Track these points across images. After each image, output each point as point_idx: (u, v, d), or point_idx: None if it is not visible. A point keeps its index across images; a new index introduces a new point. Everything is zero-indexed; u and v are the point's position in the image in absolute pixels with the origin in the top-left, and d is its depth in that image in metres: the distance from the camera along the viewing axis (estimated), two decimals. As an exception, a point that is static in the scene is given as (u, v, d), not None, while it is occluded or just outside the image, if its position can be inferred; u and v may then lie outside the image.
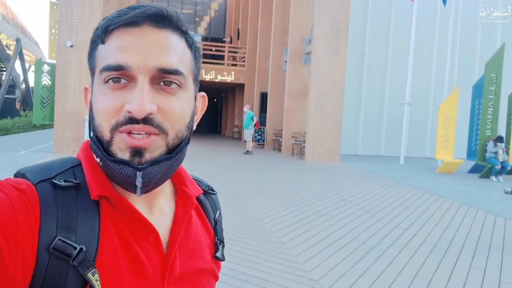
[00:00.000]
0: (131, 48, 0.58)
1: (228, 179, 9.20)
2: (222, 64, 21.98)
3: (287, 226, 5.60)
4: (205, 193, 0.80)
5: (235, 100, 24.03)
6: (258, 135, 18.27)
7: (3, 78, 28.82)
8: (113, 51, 0.59)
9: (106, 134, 0.59)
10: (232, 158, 13.70)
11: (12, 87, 31.88)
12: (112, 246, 0.59)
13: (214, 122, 32.37)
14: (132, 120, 0.57)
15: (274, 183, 8.92)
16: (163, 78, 0.60)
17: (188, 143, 0.66)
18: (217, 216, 0.81)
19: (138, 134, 0.58)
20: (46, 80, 12.00)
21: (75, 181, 0.60)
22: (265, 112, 18.71)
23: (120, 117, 0.58)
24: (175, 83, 0.61)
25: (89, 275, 0.55)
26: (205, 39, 32.37)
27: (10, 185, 0.55)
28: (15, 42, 28.95)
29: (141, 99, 0.57)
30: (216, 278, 0.76)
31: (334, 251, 4.63)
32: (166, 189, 0.70)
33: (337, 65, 13.44)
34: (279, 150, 16.73)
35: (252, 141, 15.18)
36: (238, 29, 25.87)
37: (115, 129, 0.58)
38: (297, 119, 15.74)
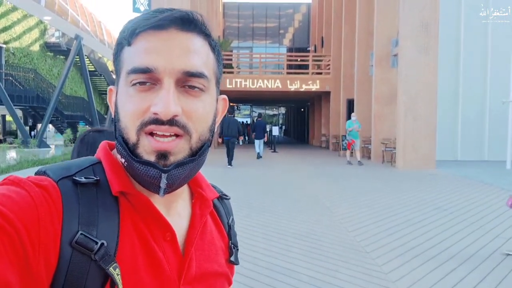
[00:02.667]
0: (157, 51, 0.59)
1: (314, 188, 9.12)
2: (307, 73, 21.98)
3: (372, 235, 5.38)
4: (220, 197, 0.81)
5: (321, 109, 23.82)
6: (345, 143, 17.85)
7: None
8: (139, 53, 0.60)
9: (132, 136, 0.60)
10: (319, 167, 13.56)
11: (118, 108, 35.45)
12: (131, 243, 0.60)
13: (302, 131, 32.38)
14: (157, 121, 0.58)
15: (361, 192, 8.63)
16: (188, 81, 0.60)
17: (210, 145, 0.66)
18: (230, 221, 0.81)
19: (163, 136, 0.59)
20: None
21: (95, 178, 0.61)
22: (352, 119, 18.23)
23: (145, 118, 0.59)
24: (199, 87, 0.61)
25: (111, 269, 0.55)
26: (289, 50, 32.78)
27: (32, 182, 0.56)
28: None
29: (167, 100, 0.57)
30: (230, 282, 0.76)
31: (423, 262, 4.33)
32: (184, 192, 0.71)
33: (427, 64, 12.65)
34: (369, 157, 16.15)
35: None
36: (322, 37, 25.71)
37: (140, 130, 0.59)
38: (387, 125, 15.08)
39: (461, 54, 15.74)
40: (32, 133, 27.78)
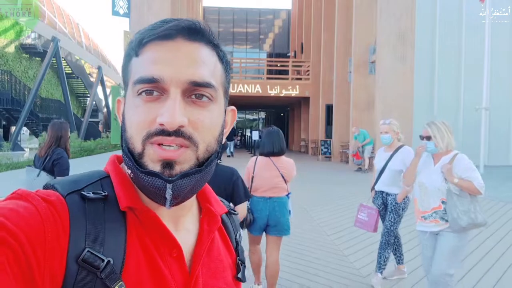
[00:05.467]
0: (164, 60, 0.59)
1: (293, 192, 9.18)
2: (287, 79, 22.16)
3: (350, 239, 5.47)
4: (228, 212, 0.80)
5: (300, 114, 24.03)
6: (325, 148, 18.05)
7: (87, 103, 31.54)
8: (146, 63, 0.59)
9: (138, 146, 0.59)
10: (298, 171, 13.64)
11: (95, 111, 34.74)
12: (137, 260, 0.59)
13: (281, 136, 32.49)
14: (163, 132, 0.57)
15: (340, 196, 8.76)
16: (195, 91, 0.60)
17: (217, 156, 0.65)
18: (237, 237, 0.80)
19: (169, 146, 0.58)
20: (121, 103, 12.93)
21: (103, 193, 0.60)
22: (331, 124, 18.49)
23: (151, 129, 0.58)
24: (206, 96, 0.61)
25: (116, 287, 0.55)
26: (269, 55, 32.97)
27: (39, 197, 0.56)
28: (97, 70, 31.65)
29: (173, 111, 0.57)
30: None
31: (399, 265, 4.43)
32: (193, 206, 0.70)
33: (404, 73, 12.97)
34: (347, 162, 16.39)
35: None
36: (302, 43, 26.00)
37: (146, 140, 0.58)
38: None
39: (436, 63, 16.18)
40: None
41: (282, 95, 21.33)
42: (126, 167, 0.63)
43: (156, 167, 0.58)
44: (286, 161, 3.71)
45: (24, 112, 21.83)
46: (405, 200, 3.89)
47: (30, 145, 26.02)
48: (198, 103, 0.60)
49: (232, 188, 2.74)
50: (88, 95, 32.85)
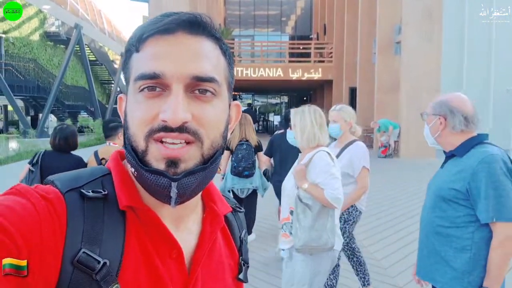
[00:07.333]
0: (165, 55, 0.57)
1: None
2: (309, 61, 21.74)
3: (370, 228, 5.29)
4: (233, 210, 0.78)
5: (323, 97, 23.64)
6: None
7: (112, 90, 31.95)
8: (147, 59, 0.58)
9: (141, 144, 0.58)
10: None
11: (119, 98, 35.29)
12: (135, 261, 0.58)
13: (304, 120, 32.26)
14: (166, 128, 0.56)
15: (362, 182, 8.54)
16: (198, 86, 0.58)
17: (223, 153, 0.64)
18: (242, 235, 0.78)
19: (173, 144, 0.56)
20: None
21: (103, 192, 0.59)
22: (355, 107, 18.07)
23: (154, 125, 0.57)
24: (210, 91, 0.59)
25: None
26: (292, 38, 32.46)
27: (38, 194, 0.55)
28: (120, 57, 31.93)
29: (176, 107, 0.55)
30: None
31: (422, 257, 4.24)
32: (197, 206, 0.69)
33: (430, 52, 12.45)
34: (371, 146, 16.02)
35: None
36: (325, 25, 25.40)
37: (149, 136, 0.57)
38: (389, 114, 14.89)
39: (465, 42, 15.48)
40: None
41: (304, 78, 20.97)
42: (129, 165, 0.61)
43: (160, 166, 0.57)
44: None
45: (50, 99, 22.29)
46: (349, 210, 3.14)
47: (57, 131, 26.61)
48: (202, 98, 0.59)
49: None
50: (113, 81, 33.20)
